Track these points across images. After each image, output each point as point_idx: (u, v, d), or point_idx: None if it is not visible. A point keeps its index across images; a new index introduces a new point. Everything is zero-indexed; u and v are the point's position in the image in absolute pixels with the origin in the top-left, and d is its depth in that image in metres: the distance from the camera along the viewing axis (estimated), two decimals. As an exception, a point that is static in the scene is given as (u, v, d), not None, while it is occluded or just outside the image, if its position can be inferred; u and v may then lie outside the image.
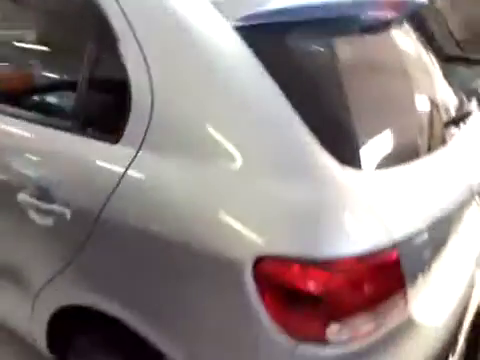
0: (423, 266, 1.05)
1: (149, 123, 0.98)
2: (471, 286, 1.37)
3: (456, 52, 4.32)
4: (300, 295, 0.86)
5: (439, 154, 1.16)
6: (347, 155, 0.94)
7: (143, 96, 0.99)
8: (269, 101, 0.95)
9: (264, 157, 0.92)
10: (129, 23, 1.01)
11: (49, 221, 1.12)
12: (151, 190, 0.97)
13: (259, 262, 0.85)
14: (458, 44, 4.44)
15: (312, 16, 1.08)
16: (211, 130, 0.95)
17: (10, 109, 1.32)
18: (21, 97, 1.42)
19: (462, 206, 1.21)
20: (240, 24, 0.97)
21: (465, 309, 1.32)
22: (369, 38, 1.24)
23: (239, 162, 0.92)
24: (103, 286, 1.08)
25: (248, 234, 0.87)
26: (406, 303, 0.96)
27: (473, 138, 1.44)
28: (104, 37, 1.06)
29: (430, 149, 1.17)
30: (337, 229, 0.86)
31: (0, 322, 1.58)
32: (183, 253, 0.92)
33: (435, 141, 1.23)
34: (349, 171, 0.92)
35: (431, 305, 1.10)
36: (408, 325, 1.00)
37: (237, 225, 0.88)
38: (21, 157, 1.20)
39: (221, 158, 0.93)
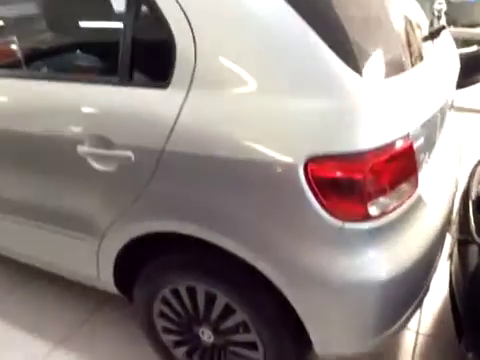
0: (425, 154, 1.32)
1: (194, 66, 1.15)
2: (456, 174, 1.67)
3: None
4: (343, 184, 1.10)
5: (422, 65, 1.40)
6: (360, 68, 1.15)
7: (186, 43, 1.15)
8: (293, 30, 1.11)
9: (296, 76, 1.11)
10: None
11: (112, 165, 1.29)
12: (204, 122, 1.15)
13: (308, 163, 1.08)
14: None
15: None
16: (245, 63, 1.12)
17: (58, 71, 1.43)
18: (67, 59, 1.54)
19: (443, 109, 1.47)
20: None
21: (455, 191, 1.63)
22: None
23: (274, 85, 1.11)
24: (176, 210, 1.26)
25: (296, 142, 1.08)
26: (417, 184, 1.23)
27: (445, 53, 1.68)
28: None
29: (413, 63, 1.40)
30: (365, 126, 1.08)
31: (65, 272, 1.76)
32: (245, 167, 1.12)
33: (417, 55, 1.46)
34: (365, 80, 1.14)
35: (433, 187, 1.39)
36: (419, 202, 1.28)
37: (287, 137, 1.09)
38: (76, 113, 1.32)
39: (256, 84, 1.12)
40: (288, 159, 1.08)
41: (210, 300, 1.40)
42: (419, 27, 1.57)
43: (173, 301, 1.48)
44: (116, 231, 1.40)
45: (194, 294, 1.42)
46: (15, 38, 1.82)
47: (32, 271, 2.15)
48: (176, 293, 1.45)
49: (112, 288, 1.60)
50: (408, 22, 1.52)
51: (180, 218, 1.27)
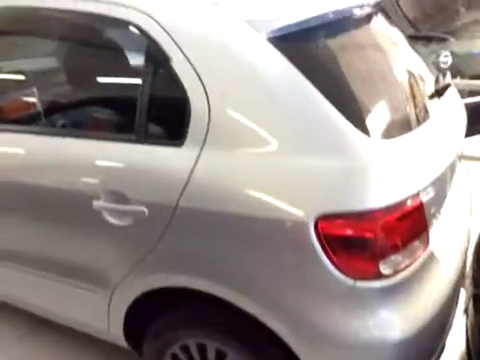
0: (436, 210, 1.33)
1: (208, 126, 1.20)
2: (469, 229, 1.67)
3: (410, 31, 4.65)
4: (354, 242, 1.11)
5: (429, 123, 1.43)
6: (367, 128, 1.19)
7: (200, 104, 1.20)
8: (301, 92, 1.17)
9: (305, 137, 1.15)
10: (179, 47, 1.23)
11: (126, 220, 1.32)
12: (217, 179, 1.19)
13: (319, 220, 1.09)
14: (411, 23, 4.78)
15: (321, 22, 1.33)
16: (257, 123, 1.17)
17: (76, 127, 1.51)
18: (85, 115, 1.61)
19: (452, 164, 1.50)
20: (271, 35, 1.21)
21: (467, 244, 1.63)
22: (364, 30, 1.53)
23: (285, 144, 1.15)
24: (188, 265, 1.27)
25: (307, 200, 1.11)
26: (429, 240, 1.23)
27: (452, 108, 1.73)
28: (159, 60, 1.27)
29: (421, 121, 1.43)
30: (375, 185, 1.11)
31: (74, 324, 1.76)
32: (256, 224, 1.14)
33: (424, 113, 1.50)
34: (373, 140, 1.17)
35: (444, 243, 1.38)
36: (431, 259, 1.27)
37: (297, 195, 1.12)
38: (93, 169, 1.37)
39: (268, 144, 1.16)
40: (299, 217, 1.10)
41: (221, 358, 1.38)
42: (425, 84, 1.62)
43: (183, 358, 1.46)
44: (127, 285, 1.41)
45: (204, 351, 1.40)
46: (34, 91, 1.91)
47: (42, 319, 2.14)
48: (186, 349, 1.43)
49: (122, 342, 1.59)
50: (414, 80, 1.57)
51: (191, 273, 1.28)
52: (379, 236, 1.10)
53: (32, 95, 1.78)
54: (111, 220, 1.34)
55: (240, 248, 1.19)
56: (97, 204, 1.35)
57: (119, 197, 1.31)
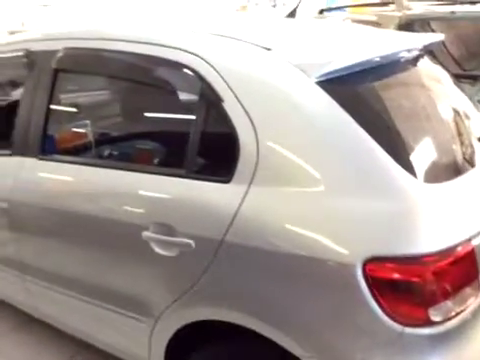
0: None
1: (256, 164, 1.23)
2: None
3: (456, 70, 4.60)
4: (403, 287, 1.09)
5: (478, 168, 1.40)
6: (417, 172, 1.18)
7: (250, 144, 1.24)
8: (349, 134, 1.19)
9: (354, 178, 1.16)
10: (230, 88, 1.28)
11: (173, 251, 1.35)
12: (263, 216, 1.21)
13: (367, 263, 1.08)
14: (456, 62, 4.73)
15: (369, 66, 1.35)
16: (307, 163, 1.19)
17: (129, 162, 1.59)
18: (138, 152, 1.69)
19: None
20: (320, 79, 1.25)
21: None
22: (412, 72, 1.54)
23: (334, 185, 1.16)
24: (231, 300, 1.28)
25: (355, 242, 1.10)
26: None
27: None
28: (210, 99, 1.33)
29: (471, 163, 1.41)
30: (425, 230, 1.09)
31: (113, 350, 1.79)
32: (303, 263, 1.14)
33: (472, 156, 1.47)
34: (423, 184, 1.16)
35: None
36: None
37: (346, 236, 1.12)
38: (143, 201, 1.43)
39: (316, 184, 1.17)
40: (346, 258, 1.10)
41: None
42: (472, 123, 1.60)
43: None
44: (170, 315, 1.43)
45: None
46: (90, 125, 2.03)
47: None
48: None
49: None
50: (461, 120, 1.56)
51: (234, 308, 1.28)
52: (429, 282, 1.08)
53: (90, 128, 1.88)
54: (158, 250, 1.38)
55: (285, 287, 1.18)
56: (146, 235, 1.39)
57: (167, 229, 1.34)
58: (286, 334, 1.20)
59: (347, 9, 5.23)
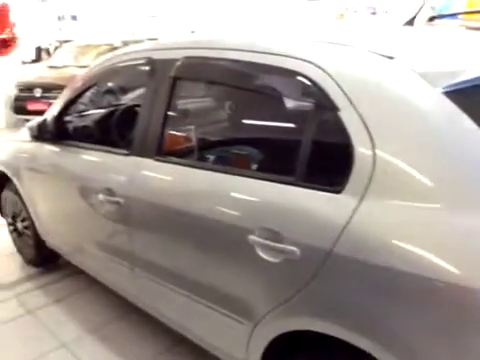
0: None
1: (371, 176, 1.20)
2: None
3: None
4: None
5: None
6: None
7: (365, 155, 1.22)
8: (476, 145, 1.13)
9: (478, 197, 1.09)
10: (347, 96, 1.27)
11: (278, 257, 1.37)
12: (375, 230, 1.17)
13: None
14: None
15: None
16: (427, 178, 1.14)
17: (240, 168, 1.64)
18: (249, 158, 1.76)
19: None
20: (448, 89, 1.20)
21: None
22: None
23: (453, 202, 1.10)
24: (334, 313, 1.26)
25: (475, 265, 1.03)
26: None
27: None
28: (325, 107, 1.33)
29: None
30: None
31: (210, 347, 1.85)
32: (416, 282, 1.09)
33: None
34: None
35: None
36: None
37: (466, 258, 1.05)
38: (252, 205, 1.47)
39: (435, 199, 1.11)
40: (466, 281, 1.02)
41: None
42: None
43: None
44: (271, 321, 1.44)
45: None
46: (203, 129, 2.13)
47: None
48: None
49: None
50: None
51: (336, 322, 1.26)
52: None
53: (205, 133, 1.97)
54: (263, 255, 1.40)
55: (394, 304, 1.14)
56: (252, 238, 1.42)
57: (273, 235, 1.36)
58: (395, 355, 1.15)
59: (460, 16, 4.89)
